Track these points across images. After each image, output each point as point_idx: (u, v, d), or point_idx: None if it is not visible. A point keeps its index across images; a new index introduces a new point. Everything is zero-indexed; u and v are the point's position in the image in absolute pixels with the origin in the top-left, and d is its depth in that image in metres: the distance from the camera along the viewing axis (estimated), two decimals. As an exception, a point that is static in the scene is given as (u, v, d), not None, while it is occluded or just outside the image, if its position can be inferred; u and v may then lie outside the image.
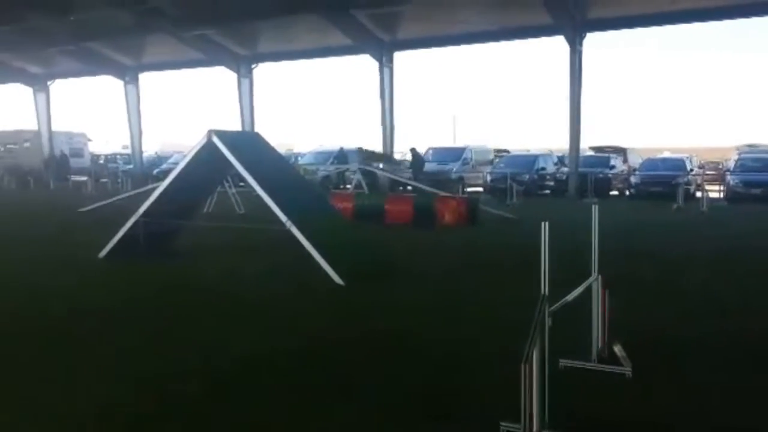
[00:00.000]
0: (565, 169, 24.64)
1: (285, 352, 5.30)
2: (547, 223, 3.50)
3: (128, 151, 32.68)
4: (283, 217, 8.50)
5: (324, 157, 27.41)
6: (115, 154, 36.63)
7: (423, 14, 19.98)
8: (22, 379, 4.68)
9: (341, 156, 25.88)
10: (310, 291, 7.65)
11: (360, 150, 25.85)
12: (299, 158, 29.18)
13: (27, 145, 34.15)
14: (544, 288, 3.49)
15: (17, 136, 35.05)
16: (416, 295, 7.47)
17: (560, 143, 26.54)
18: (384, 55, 22.58)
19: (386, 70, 22.79)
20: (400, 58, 23.51)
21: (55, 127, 33.49)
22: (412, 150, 23.63)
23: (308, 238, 8.29)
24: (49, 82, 32.22)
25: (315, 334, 5.84)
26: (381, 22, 21.16)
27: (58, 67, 30.56)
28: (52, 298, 7.36)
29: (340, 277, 7.92)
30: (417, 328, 6.03)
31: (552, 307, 3.61)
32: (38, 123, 32.87)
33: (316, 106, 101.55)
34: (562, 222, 8.67)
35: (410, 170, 23.22)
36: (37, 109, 32.50)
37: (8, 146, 34.76)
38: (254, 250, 10.51)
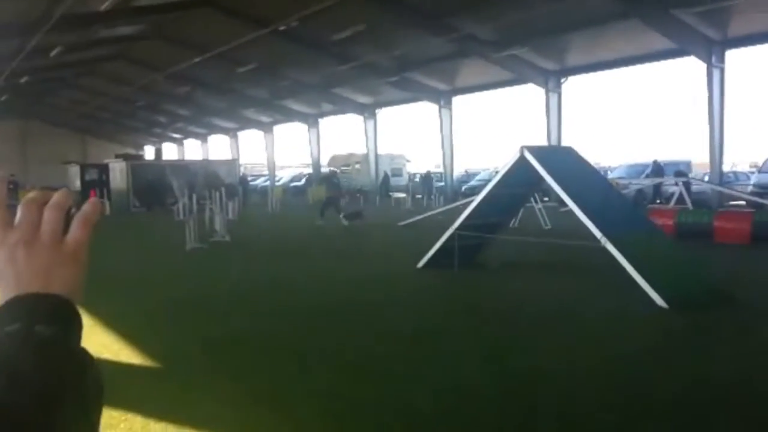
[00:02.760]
0: None
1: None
2: None
3: (440, 169, 34.95)
4: (597, 234, 8.05)
5: (637, 170, 25.75)
6: (428, 173, 39.44)
7: (764, 4, 17.27)
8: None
9: (657, 169, 24.07)
10: (628, 314, 7.06)
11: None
12: (609, 172, 27.76)
13: (357, 166, 38.95)
14: None
15: (349, 159, 40.24)
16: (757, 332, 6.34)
17: None
18: (713, 55, 20.11)
19: (716, 72, 20.22)
20: (732, 56, 20.70)
21: (379, 150, 37.50)
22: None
23: (626, 256, 7.70)
24: (376, 110, 36.24)
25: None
26: (709, 18, 18.90)
27: (383, 96, 34.17)
28: (382, 306, 8.09)
29: (663, 299, 7.16)
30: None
31: None
32: (366, 147, 37.16)
33: (627, 116, 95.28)
34: None
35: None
36: (366, 135, 36.80)
37: (342, 168, 40.11)
38: (566, 266, 10.19)
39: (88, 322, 4.74)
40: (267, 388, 4.86)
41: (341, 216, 18.90)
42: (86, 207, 0.67)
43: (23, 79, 30.17)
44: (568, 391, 4.70)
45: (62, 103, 45.87)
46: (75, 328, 0.62)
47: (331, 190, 20.40)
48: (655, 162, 24.71)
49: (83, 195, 30.86)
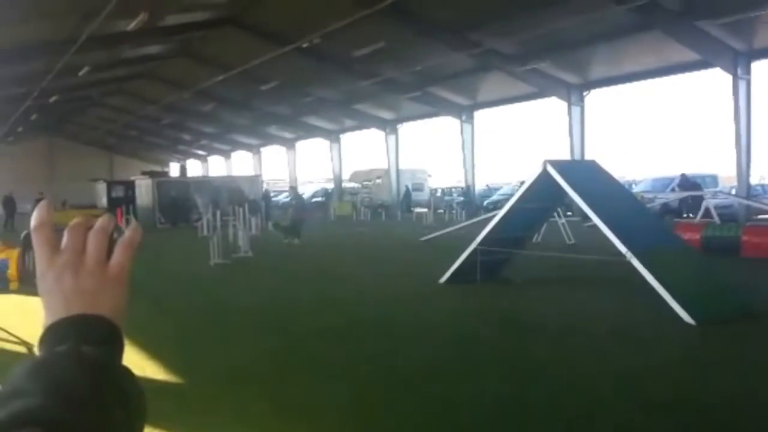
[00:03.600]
0: None
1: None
2: None
3: (462, 184, 34.90)
4: (622, 248, 7.95)
5: (663, 183, 25.43)
6: (450, 188, 39.41)
7: (790, 14, 17.04)
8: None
9: (684, 182, 23.76)
10: (654, 331, 6.94)
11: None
12: (634, 185, 27.47)
13: (379, 181, 39.01)
14: None
15: (371, 174, 40.34)
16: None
17: None
18: (739, 67, 19.84)
19: (742, 83, 19.93)
20: (758, 68, 20.36)
21: (401, 165, 37.53)
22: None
23: (652, 271, 7.58)
24: (398, 126, 36.35)
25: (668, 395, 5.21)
26: (735, 29, 18.67)
27: (404, 111, 34.29)
28: (401, 320, 8.06)
29: (691, 316, 7.03)
30: None
31: None
32: (388, 162, 37.24)
33: (651, 129, 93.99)
34: None
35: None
36: (387, 150, 36.88)
37: (364, 183, 40.21)
38: (590, 282, 10.05)
39: (114, 338, 4.73)
40: (290, 404, 4.85)
41: (286, 238, 18.34)
42: (128, 232, 0.70)
43: (52, 98, 30.84)
44: (589, 413, 4.62)
45: (89, 121, 46.78)
46: (119, 349, 0.65)
47: (299, 211, 19.61)
48: (682, 175, 24.38)
49: (110, 211, 31.32)
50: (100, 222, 0.68)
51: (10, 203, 29.57)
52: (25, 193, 34.89)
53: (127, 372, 0.63)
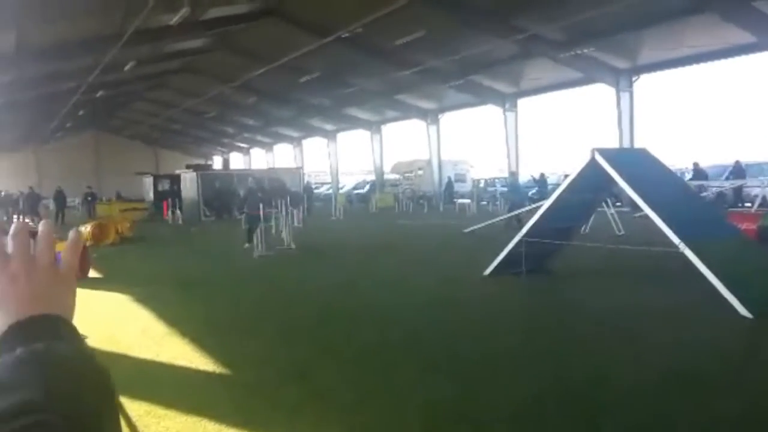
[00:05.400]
0: None
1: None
2: None
3: (505, 174, 34.31)
4: (675, 239, 7.61)
5: (717, 172, 24.45)
6: (493, 179, 38.85)
7: None
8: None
9: (738, 170, 22.85)
10: (708, 324, 6.62)
11: None
12: (685, 174, 26.56)
13: (420, 172, 38.77)
14: None
15: (412, 165, 40.11)
16: None
17: None
18: (798, 49, 18.92)
19: (800, 66, 19.03)
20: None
21: (442, 156, 37.21)
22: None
23: (706, 262, 7.24)
24: (440, 116, 36.00)
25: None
26: (794, 9, 17.77)
27: (446, 101, 33.90)
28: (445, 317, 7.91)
29: (747, 308, 6.69)
30: None
31: None
32: (429, 152, 36.95)
33: (705, 115, 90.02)
34: None
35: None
36: (429, 140, 36.61)
37: (405, 174, 40.02)
38: (641, 274, 9.71)
39: (163, 330, 4.77)
40: (336, 395, 4.77)
41: (247, 244, 14.92)
42: (71, 236, 0.76)
43: (99, 93, 31.55)
44: (637, 413, 4.39)
45: (134, 115, 47.83)
46: (81, 344, 0.67)
47: (253, 207, 15.14)
48: (736, 162, 23.52)
49: (156, 205, 31.96)
50: (42, 229, 0.73)
51: (60, 197, 30.43)
52: (72, 187, 35.90)
53: (100, 362, 0.65)
